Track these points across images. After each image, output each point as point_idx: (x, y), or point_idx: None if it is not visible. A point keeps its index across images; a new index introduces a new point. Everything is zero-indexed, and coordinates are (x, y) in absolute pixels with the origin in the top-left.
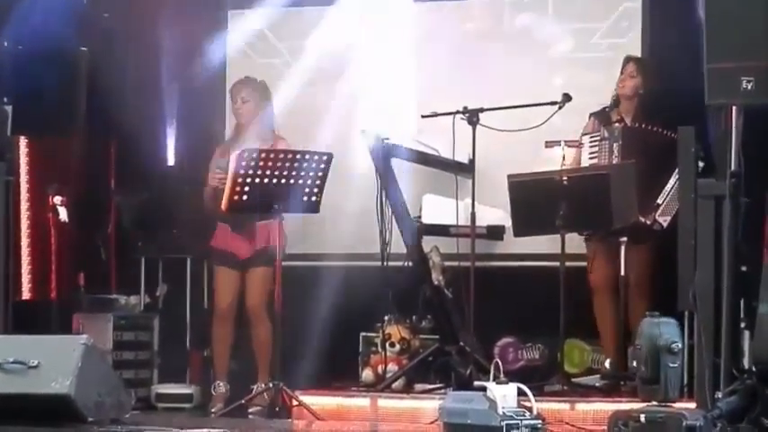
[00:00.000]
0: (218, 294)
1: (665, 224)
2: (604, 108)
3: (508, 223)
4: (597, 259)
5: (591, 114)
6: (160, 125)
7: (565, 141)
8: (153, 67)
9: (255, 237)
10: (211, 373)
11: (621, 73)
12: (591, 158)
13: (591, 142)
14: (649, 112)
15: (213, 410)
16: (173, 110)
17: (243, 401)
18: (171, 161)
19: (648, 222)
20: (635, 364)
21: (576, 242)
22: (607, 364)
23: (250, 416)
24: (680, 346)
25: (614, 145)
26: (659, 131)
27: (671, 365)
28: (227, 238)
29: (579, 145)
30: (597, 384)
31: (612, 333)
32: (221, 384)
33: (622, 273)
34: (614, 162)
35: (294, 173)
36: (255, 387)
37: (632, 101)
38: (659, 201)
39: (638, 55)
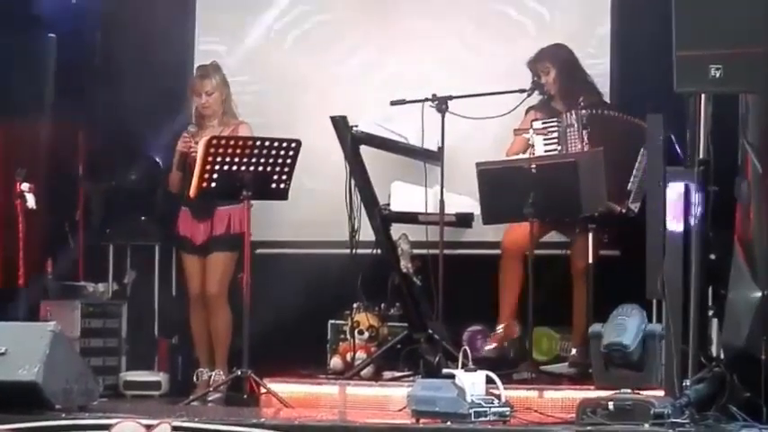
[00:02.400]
0: (188, 281)
1: (636, 210)
2: (540, 100)
3: (477, 211)
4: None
5: (531, 108)
6: (129, 111)
7: (533, 129)
8: (123, 52)
9: (214, 222)
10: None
11: (536, 71)
12: (547, 145)
13: (550, 129)
14: (571, 98)
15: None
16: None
17: (210, 389)
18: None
19: (624, 211)
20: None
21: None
22: (574, 351)
23: (209, 404)
24: (595, 330)
25: (583, 132)
26: (620, 116)
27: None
28: (187, 223)
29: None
30: (565, 372)
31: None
32: (204, 372)
33: (590, 260)
34: (584, 149)
35: (263, 160)
36: (213, 374)
37: (556, 93)
38: (629, 187)
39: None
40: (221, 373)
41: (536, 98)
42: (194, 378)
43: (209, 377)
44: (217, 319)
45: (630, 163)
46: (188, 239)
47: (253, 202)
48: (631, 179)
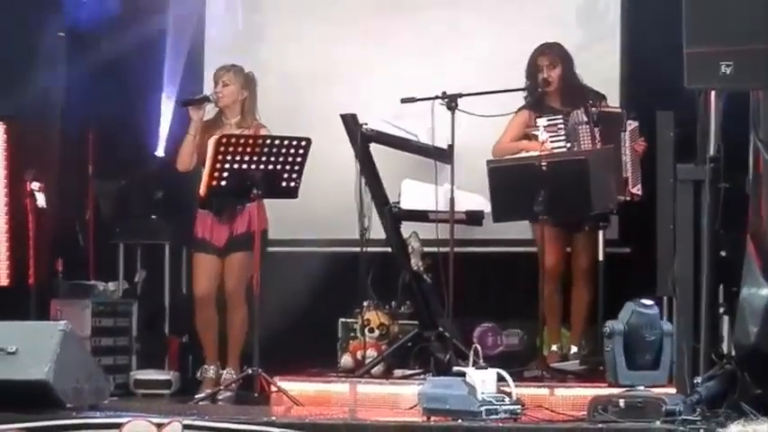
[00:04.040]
0: (196, 281)
1: (640, 193)
2: (532, 100)
3: (487, 209)
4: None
5: (523, 108)
6: (139, 110)
7: (544, 127)
8: (133, 52)
9: (235, 222)
10: (190, 360)
11: (538, 63)
12: (554, 142)
13: (559, 126)
14: (572, 96)
15: (198, 396)
16: (153, 95)
17: (221, 388)
18: (150, 147)
19: (628, 198)
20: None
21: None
22: (574, 350)
23: (220, 402)
24: (608, 331)
25: (595, 129)
26: (614, 110)
27: (606, 349)
28: (206, 226)
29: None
30: (576, 370)
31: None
32: (210, 369)
33: (600, 258)
34: (597, 146)
35: (273, 158)
36: (224, 372)
37: (557, 89)
38: (625, 174)
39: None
40: (232, 371)
41: (519, 98)
42: (198, 375)
43: (216, 375)
44: (235, 318)
45: (619, 152)
46: (207, 241)
47: (264, 200)
48: (624, 165)
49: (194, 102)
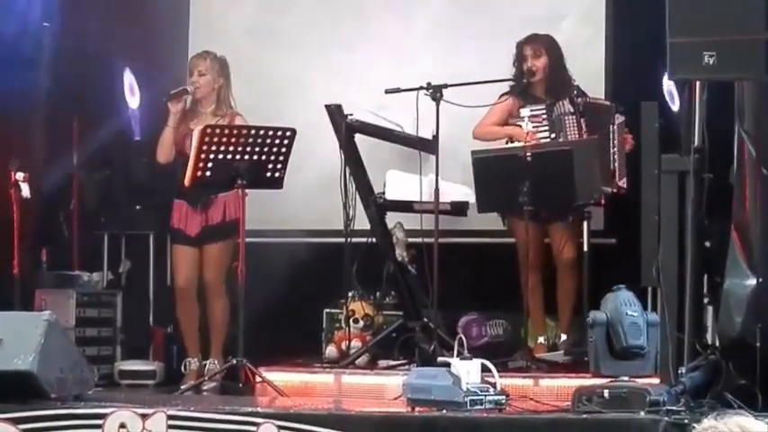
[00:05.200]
0: (176, 272)
1: (625, 186)
2: (517, 87)
3: (472, 199)
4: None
5: (507, 94)
6: (123, 100)
7: (528, 117)
8: (116, 41)
9: (209, 212)
10: (174, 350)
11: (524, 53)
12: (538, 132)
13: (542, 116)
14: (557, 88)
15: (183, 387)
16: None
17: (206, 378)
18: (134, 136)
19: (615, 191)
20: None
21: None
22: (564, 338)
23: (204, 392)
24: (590, 321)
25: (581, 120)
26: (603, 103)
27: (589, 339)
28: (182, 215)
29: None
30: (561, 360)
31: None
32: (192, 361)
33: (585, 249)
34: (583, 137)
35: (257, 148)
36: (208, 363)
37: (542, 79)
38: (612, 166)
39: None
40: (216, 362)
41: (504, 85)
42: (182, 368)
43: (199, 366)
44: (215, 308)
45: (606, 143)
46: (182, 231)
47: (247, 190)
48: (611, 157)
49: (174, 96)
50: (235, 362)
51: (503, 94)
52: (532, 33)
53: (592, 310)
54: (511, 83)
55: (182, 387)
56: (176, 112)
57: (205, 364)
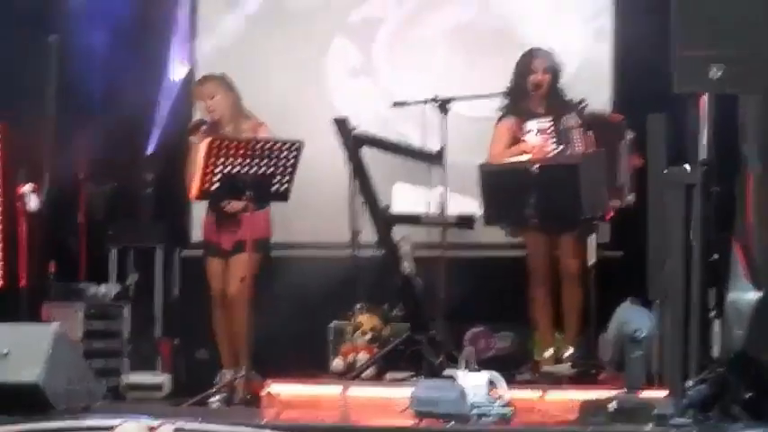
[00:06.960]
0: (210, 284)
1: (632, 200)
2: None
3: (479, 212)
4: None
5: (506, 115)
6: (132, 113)
7: (537, 130)
8: (125, 54)
9: (240, 227)
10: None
11: (529, 67)
12: (547, 146)
13: (550, 129)
14: (555, 103)
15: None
16: (145, 98)
17: (213, 390)
18: (143, 150)
19: (623, 205)
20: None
21: None
22: (570, 350)
23: (213, 404)
24: (643, 333)
25: (588, 133)
26: (612, 117)
27: (632, 355)
28: (212, 229)
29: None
30: (567, 373)
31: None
32: (226, 373)
33: (592, 261)
34: (589, 150)
35: (264, 161)
36: (219, 374)
37: (544, 93)
38: (621, 181)
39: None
40: (226, 373)
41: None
42: (217, 379)
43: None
44: (242, 319)
45: (614, 158)
46: (214, 243)
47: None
48: (619, 173)
49: (192, 130)
50: (242, 374)
51: (500, 114)
52: (537, 48)
53: (600, 322)
54: (504, 100)
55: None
56: (199, 143)
57: (238, 376)
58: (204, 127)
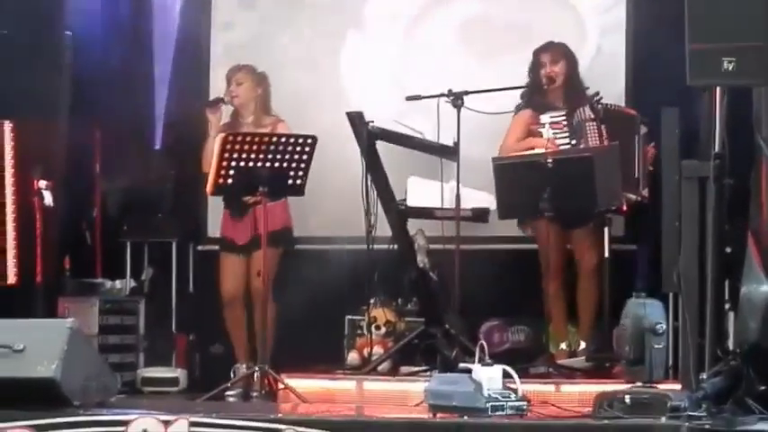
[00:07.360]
0: (224, 280)
1: (648, 195)
2: (532, 99)
3: (493, 206)
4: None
5: (522, 107)
6: (146, 108)
7: (550, 124)
8: (139, 50)
9: (256, 221)
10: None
11: (541, 60)
12: (559, 139)
13: (563, 122)
14: (574, 95)
15: (232, 393)
16: (159, 93)
17: (229, 384)
18: (157, 145)
19: (639, 199)
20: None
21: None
22: (583, 345)
23: (230, 398)
24: (664, 327)
25: (602, 126)
26: (622, 109)
27: (655, 346)
28: (231, 224)
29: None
30: (582, 366)
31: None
32: (242, 367)
33: (606, 254)
34: (604, 143)
35: (279, 156)
36: (234, 369)
37: (560, 86)
38: (636, 175)
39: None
40: (267, 368)
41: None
42: (231, 374)
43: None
44: (264, 314)
45: (630, 151)
46: (231, 239)
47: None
48: (636, 166)
49: (208, 105)
50: (257, 368)
51: (518, 106)
52: (549, 41)
53: (613, 316)
54: (524, 92)
55: (227, 393)
56: (215, 121)
57: (254, 370)
58: (222, 106)
